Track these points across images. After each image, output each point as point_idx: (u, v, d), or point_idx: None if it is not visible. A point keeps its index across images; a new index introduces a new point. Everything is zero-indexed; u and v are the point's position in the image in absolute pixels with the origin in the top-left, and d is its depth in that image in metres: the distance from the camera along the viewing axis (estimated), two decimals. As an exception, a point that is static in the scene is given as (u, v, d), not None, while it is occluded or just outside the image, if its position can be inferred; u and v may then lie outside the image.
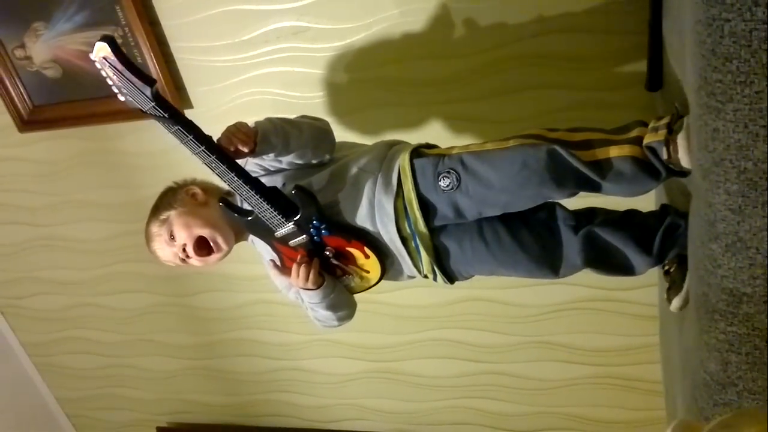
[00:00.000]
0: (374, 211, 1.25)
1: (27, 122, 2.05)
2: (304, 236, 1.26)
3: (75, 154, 2.12)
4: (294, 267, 1.30)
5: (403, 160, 1.25)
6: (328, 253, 1.29)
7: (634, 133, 1.12)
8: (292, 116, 1.35)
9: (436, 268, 1.30)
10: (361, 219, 1.26)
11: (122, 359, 2.65)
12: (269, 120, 1.26)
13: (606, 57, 1.51)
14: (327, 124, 1.36)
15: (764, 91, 0.75)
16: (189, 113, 1.88)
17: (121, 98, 1.09)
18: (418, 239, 1.26)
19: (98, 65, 1.06)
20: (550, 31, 1.51)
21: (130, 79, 1.05)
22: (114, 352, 2.64)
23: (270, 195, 1.21)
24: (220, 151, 1.14)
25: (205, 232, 1.32)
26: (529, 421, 2.18)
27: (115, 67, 1.04)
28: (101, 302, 2.49)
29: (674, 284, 1.15)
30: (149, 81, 1.06)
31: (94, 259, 2.36)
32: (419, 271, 1.33)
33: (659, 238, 1.16)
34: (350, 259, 1.31)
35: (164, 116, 1.09)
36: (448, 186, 1.20)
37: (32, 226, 2.36)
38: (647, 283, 1.71)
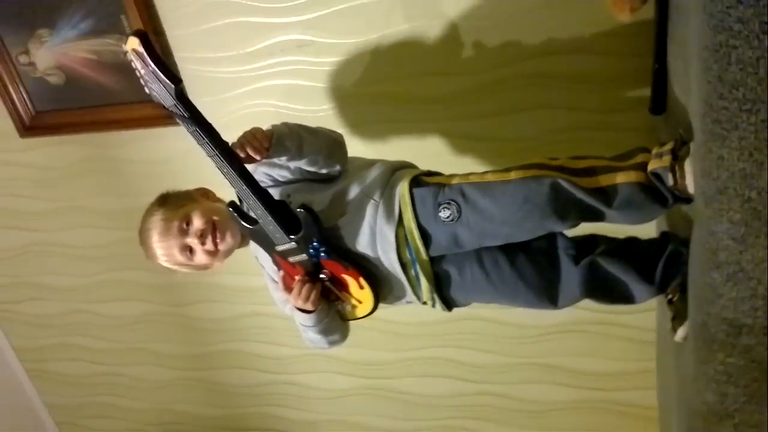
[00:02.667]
0: (375, 239, 1.24)
1: (29, 128, 2.04)
2: (304, 255, 1.26)
3: (75, 161, 2.11)
4: (296, 285, 1.29)
5: (403, 189, 1.24)
6: (323, 276, 1.28)
7: (638, 159, 1.11)
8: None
9: (435, 296, 1.29)
10: (362, 245, 1.25)
11: (114, 367, 2.63)
12: (285, 124, 1.27)
13: (610, 79, 1.51)
14: (341, 136, 1.37)
15: (770, 120, 0.75)
16: (191, 123, 1.88)
17: (147, 91, 1.11)
18: (418, 267, 1.26)
19: (129, 57, 1.08)
20: (555, 51, 1.52)
21: (156, 74, 1.06)
22: (106, 360, 2.62)
23: (276, 208, 1.21)
24: (233, 157, 1.16)
25: (222, 223, 1.32)
26: (523, 443, 2.16)
27: (143, 61, 1.06)
28: (96, 309, 2.47)
29: (678, 314, 1.13)
30: (175, 80, 1.07)
31: (91, 265, 2.35)
32: (418, 298, 1.33)
33: (661, 267, 1.15)
34: (344, 287, 1.30)
35: (184, 116, 1.11)
36: (448, 217, 1.19)
37: (30, 231, 2.35)
38: (646, 308, 1.69)
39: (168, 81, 1.07)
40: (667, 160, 1.04)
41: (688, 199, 1.04)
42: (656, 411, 1.73)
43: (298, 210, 1.21)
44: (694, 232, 0.99)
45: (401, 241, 1.24)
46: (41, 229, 2.32)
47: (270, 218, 1.21)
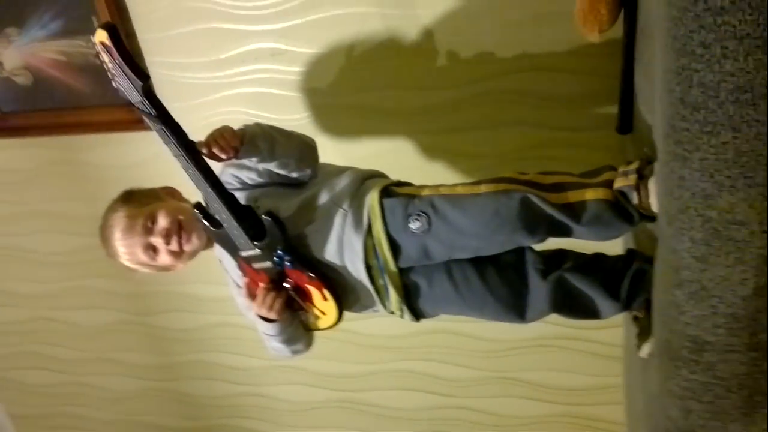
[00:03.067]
0: (343, 248, 1.23)
1: (-6, 129, 2.00)
2: (269, 263, 1.24)
3: (42, 164, 2.07)
4: (260, 292, 1.26)
5: (372, 199, 1.23)
6: (287, 285, 1.26)
7: (605, 177, 1.12)
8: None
9: (404, 307, 1.28)
10: (329, 255, 1.24)
11: (79, 377, 2.57)
12: (258, 125, 1.25)
13: (581, 98, 1.52)
14: (314, 141, 1.36)
15: (730, 143, 0.76)
16: (161, 129, 1.85)
17: (114, 85, 1.09)
18: (387, 278, 1.25)
19: (97, 49, 1.05)
20: (529, 68, 1.53)
21: (123, 69, 1.04)
22: (72, 370, 2.56)
23: (241, 213, 1.19)
24: (199, 159, 1.14)
25: (187, 223, 1.29)
26: (491, 457, 2.16)
27: (111, 55, 1.03)
28: (61, 317, 2.42)
29: (643, 330, 1.14)
30: (143, 76, 1.05)
31: (56, 272, 2.30)
32: (386, 308, 1.32)
33: (627, 284, 1.16)
34: (308, 297, 1.28)
35: (150, 113, 1.09)
36: (418, 229, 1.18)
37: (-6, 235, 2.30)
38: (613, 323, 1.70)
39: (135, 77, 1.04)
40: (632, 178, 1.05)
41: (652, 218, 1.05)
42: (623, 426, 1.74)
43: (264, 217, 1.19)
44: (658, 250, 1.00)
45: (369, 250, 1.23)
46: (5, 234, 2.27)
47: (235, 223, 1.19)
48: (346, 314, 1.34)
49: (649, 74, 0.99)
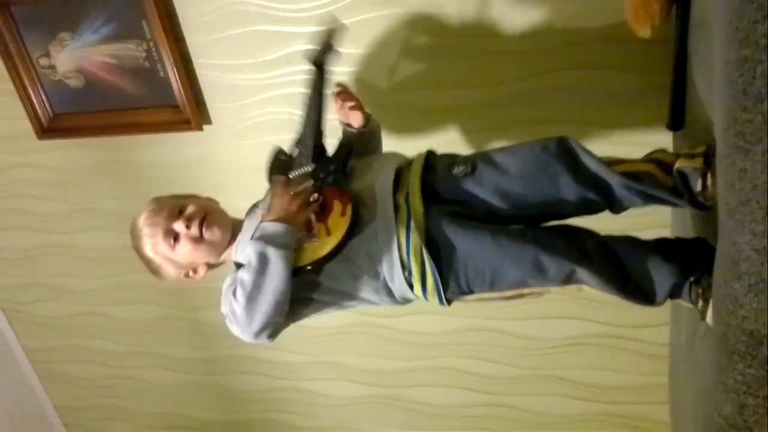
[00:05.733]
0: (379, 175, 1.22)
1: (46, 130, 2.06)
2: (311, 181, 1.25)
3: (91, 164, 2.13)
4: (292, 193, 1.20)
5: (420, 154, 1.28)
6: (316, 199, 1.21)
7: (655, 156, 1.12)
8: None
9: (425, 257, 1.12)
10: (368, 182, 1.22)
11: (124, 370, 2.64)
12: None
13: (630, 94, 1.52)
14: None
15: (794, 134, 0.75)
16: (208, 129, 1.90)
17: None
18: (413, 224, 1.13)
19: None
20: (571, 66, 1.53)
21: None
22: (116, 363, 2.63)
23: (320, 134, 1.30)
24: (322, 91, 1.31)
25: (215, 215, 1.31)
26: (531, 455, 2.15)
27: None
28: (106, 312, 2.48)
29: (705, 293, 1.04)
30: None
31: (103, 268, 2.36)
32: (404, 270, 1.15)
33: (685, 250, 1.09)
34: (326, 214, 1.19)
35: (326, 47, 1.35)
36: (461, 172, 1.17)
37: (44, 233, 2.36)
38: (658, 321, 1.70)
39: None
40: (699, 161, 1.03)
41: (703, 206, 1.03)
42: (667, 426, 1.72)
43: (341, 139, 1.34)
44: (718, 243, 0.99)
45: (402, 183, 1.20)
46: (55, 231, 2.34)
47: (312, 136, 1.28)
48: (386, 309, 1.30)
49: (705, 68, 0.99)
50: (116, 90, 1.93)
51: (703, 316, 1.07)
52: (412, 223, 1.14)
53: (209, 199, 1.41)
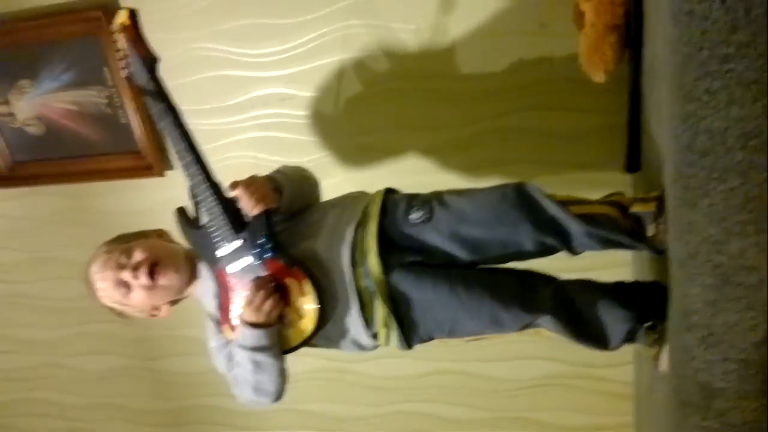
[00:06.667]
0: (332, 239, 1.17)
1: (5, 178, 2.02)
2: (249, 257, 1.17)
3: (51, 212, 2.09)
4: (252, 292, 1.14)
5: (377, 194, 1.23)
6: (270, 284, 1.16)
7: (613, 198, 1.13)
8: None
9: (392, 321, 1.15)
10: (317, 244, 1.18)
11: (85, 423, 2.54)
12: (287, 178, 1.25)
13: (587, 135, 1.55)
14: (317, 183, 1.37)
15: (738, 188, 0.77)
16: (169, 174, 1.88)
17: (125, 73, 1.21)
18: (373, 284, 1.15)
19: (113, 29, 1.20)
20: (533, 107, 1.56)
21: (137, 48, 1.17)
22: (77, 416, 2.53)
23: (226, 201, 1.18)
24: (192, 145, 1.19)
25: (165, 259, 1.24)
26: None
27: (127, 34, 1.17)
28: (66, 363, 2.40)
29: (660, 339, 1.08)
30: (153, 57, 1.19)
31: (64, 318, 2.29)
32: (368, 327, 1.18)
33: (640, 296, 1.11)
34: (286, 295, 1.16)
35: (154, 92, 1.18)
36: (419, 218, 1.15)
37: (2, 283, 2.29)
38: (623, 361, 1.71)
39: (147, 56, 1.18)
40: (652, 206, 1.04)
41: (659, 251, 1.04)
42: (636, 467, 1.71)
43: None
44: (671, 292, 1.00)
45: (357, 246, 1.16)
46: (14, 281, 2.27)
47: (220, 210, 1.16)
48: (344, 355, 1.29)
49: (657, 114, 1.01)
50: (77, 137, 1.90)
51: (656, 365, 1.09)
52: (372, 283, 1.15)
53: (159, 234, 1.34)
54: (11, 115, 1.93)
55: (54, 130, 1.91)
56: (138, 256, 1.23)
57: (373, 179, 1.73)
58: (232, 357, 1.21)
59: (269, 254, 1.16)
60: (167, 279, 1.23)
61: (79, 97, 1.84)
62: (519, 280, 1.16)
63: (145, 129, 1.81)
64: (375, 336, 1.20)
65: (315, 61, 1.65)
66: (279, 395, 1.22)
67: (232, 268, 1.19)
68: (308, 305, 1.15)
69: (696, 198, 0.81)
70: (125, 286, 1.23)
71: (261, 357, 1.15)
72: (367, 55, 1.61)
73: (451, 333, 1.16)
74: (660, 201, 1.04)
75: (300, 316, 1.16)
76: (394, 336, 1.18)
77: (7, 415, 2.62)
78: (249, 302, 1.14)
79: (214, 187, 1.18)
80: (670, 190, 0.88)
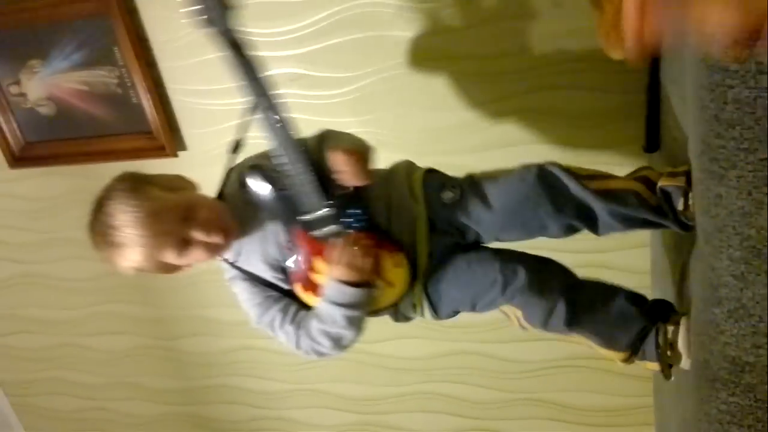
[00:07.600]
0: (391, 213, 1.18)
1: (18, 158, 2.02)
2: (334, 227, 1.11)
3: (65, 192, 2.09)
4: (353, 251, 1.10)
5: (418, 175, 1.23)
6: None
7: (640, 173, 1.11)
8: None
9: (422, 294, 1.19)
10: (392, 226, 1.17)
11: (102, 402, 2.57)
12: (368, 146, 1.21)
13: (605, 115, 1.51)
14: None
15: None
16: (182, 155, 1.87)
17: (197, 15, 1.01)
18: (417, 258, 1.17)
19: None
20: (549, 87, 1.52)
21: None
22: (94, 395, 2.56)
23: (314, 165, 1.07)
24: (275, 104, 1.06)
25: (227, 216, 1.15)
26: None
27: None
28: (84, 343, 2.43)
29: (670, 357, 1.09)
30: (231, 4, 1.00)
31: (80, 298, 2.31)
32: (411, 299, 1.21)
33: (650, 303, 1.14)
34: (377, 264, 1.15)
35: (236, 41, 1.03)
36: (449, 199, 1.16)
37: (18, 263, 2.31)
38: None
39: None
40: (681, 180, 1.01)
41: (686, 226, 1.02)
42: (655, 448, 1.70)
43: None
44: (695, 265, 0.97)
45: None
46: (29, 261, 2.29)
47: (309, 177, 1.07)
48: (368, 336, 1.27)
49: (680, 91, 0.98)
50: (88, 117, 1.89)
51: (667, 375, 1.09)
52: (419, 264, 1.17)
53: (195, 186, 1.21)
54: (23, 95, 1.92)
55: (65, 110, 1.90)
56: (205, 212, 1.12)
57: (387, 161, 1.72)
58: (295, 312, 1.19)
59: (362, 224, 1.12)
60: (233, 237, 1.16)
61: (90, 77, 1.83)
62: (536, 262, 1.17)
63: (157, 109, 1.79)
64: (414, 307, 1.22)
65: (327, 40, 1.62)
66: (351, 344, 1.21)
67: (318, 233, 1.13)
68: (398, 274, 1.15)
69: (724, 170, 0.78)
70: (187, 243, 1.11)
71: (352, 313, 1.14)
72: (380, 34, 1.58)
73: (473, 307, 1.19)
74: (689, 175, 1.01)
75: (389, 285, 1.16)
76: (426, 307, 1.20)
77: (25, 394, 2.67)
78: (346, 261, 1.12)
79: (300, 151, 1.07)
80: (696, 163, 0.85)
